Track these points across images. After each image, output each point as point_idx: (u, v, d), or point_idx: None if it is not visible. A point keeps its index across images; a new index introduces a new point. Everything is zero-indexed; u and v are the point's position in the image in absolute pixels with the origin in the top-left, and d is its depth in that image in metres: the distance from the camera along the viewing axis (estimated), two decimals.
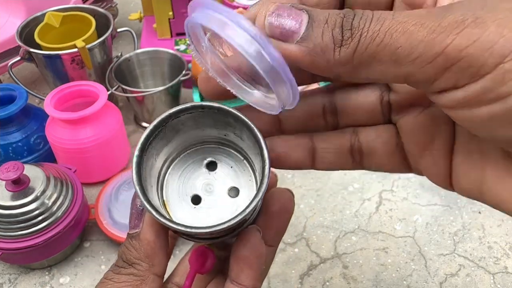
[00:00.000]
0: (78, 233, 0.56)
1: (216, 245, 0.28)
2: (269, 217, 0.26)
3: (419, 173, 0.25)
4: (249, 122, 0.23)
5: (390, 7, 0.22)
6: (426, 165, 0.24)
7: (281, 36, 0.19)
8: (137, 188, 0.23)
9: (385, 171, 0.26)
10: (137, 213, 0.25)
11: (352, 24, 0.18)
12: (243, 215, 0.22)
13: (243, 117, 0.23)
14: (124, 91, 0.70)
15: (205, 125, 0.25)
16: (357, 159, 0.26)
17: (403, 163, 0.25)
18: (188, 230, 0.22)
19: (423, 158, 0.24)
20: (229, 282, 0.25)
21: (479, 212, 0.62)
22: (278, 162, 0.26)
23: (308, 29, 0.18)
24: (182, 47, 0.81)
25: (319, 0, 0.22)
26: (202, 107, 0.24)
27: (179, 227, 0.22)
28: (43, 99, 0.62)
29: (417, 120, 0.23)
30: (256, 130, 0.23)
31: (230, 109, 0.24)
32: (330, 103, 0.26)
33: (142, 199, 0.22)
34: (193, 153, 0.27)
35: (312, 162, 0.26)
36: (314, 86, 0.25)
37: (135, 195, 0.25)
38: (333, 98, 0.26)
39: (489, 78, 0.16)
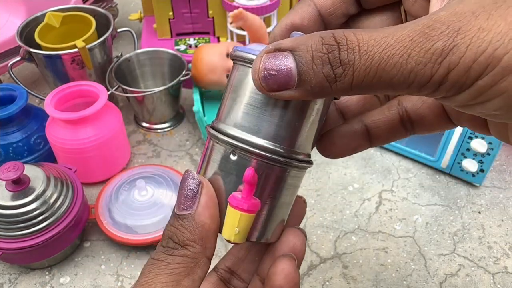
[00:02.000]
0: (78, 233, 0.56)
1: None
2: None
3: (464, 126, 0.27)
4: None
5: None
6: (467, 119, 0.26)
7: (279, 88, 0.20)
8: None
9: (434, 132, 0.28)
10: (191, 194, 0.24)
11: (341, 60, 0.19)
12: None
13: None
14: (124, 91, 0.70)
15: None
16: (409, 128, 0.28)
17: (449, 120, 0.27)
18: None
19: (462, 115, 0.26)
20: None
21: (479, 212, 0.62)
22: (341, 152, 0.28)
23: (299, 75, 0.20)
24: (182, 47, 0.81)
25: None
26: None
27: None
28: (43, 99, 0.62)
29: None
30: None
31: None
32: None
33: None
34: None
35: (369, 143, 0.28)
36: None
37: (185, 176, 0.25)
38: None
39: (467, 92, 0.19)
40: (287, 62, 0.20)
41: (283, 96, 0.21)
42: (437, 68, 0.18)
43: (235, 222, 0.24)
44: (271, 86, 0.21)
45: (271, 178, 0.25)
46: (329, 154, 0.28)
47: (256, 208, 0.24)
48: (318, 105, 0.25)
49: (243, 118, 0.24)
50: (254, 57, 0.23)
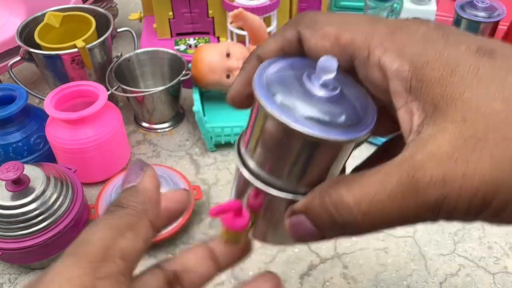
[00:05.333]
0: (78, 233, 0.56)
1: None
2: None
3: None
4: None
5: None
6: None
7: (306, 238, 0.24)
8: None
9: None
10: (136, 172, 0.25)
11: (341, 224, 0.22)
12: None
13: None
14: (124, 91, 0.70)
15: None
16: None
17: None
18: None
19: None
20: None
21: None
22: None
23: (319, 231, 0.23)
24: (182, 47, 0.81)
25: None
26: None
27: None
28: (43, 99, 0.62)
29: None
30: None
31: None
32: None
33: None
34: None
35: None
36: None
37: (134, 161, 0.26)
38: None
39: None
40: (308, 226, 0.23)
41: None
42: (437, 215, 0.21)
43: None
44: (300, 239, 0.24)
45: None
46: None
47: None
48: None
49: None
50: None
